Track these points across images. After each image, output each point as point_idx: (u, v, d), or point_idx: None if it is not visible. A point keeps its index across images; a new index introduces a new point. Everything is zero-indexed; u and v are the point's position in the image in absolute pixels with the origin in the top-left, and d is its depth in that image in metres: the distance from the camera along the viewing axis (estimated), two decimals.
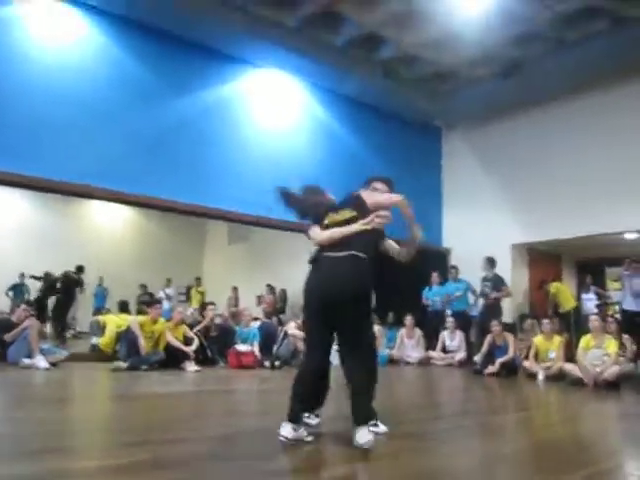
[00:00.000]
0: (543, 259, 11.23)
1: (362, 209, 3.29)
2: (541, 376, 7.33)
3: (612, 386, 6.39)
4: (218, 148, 8.52)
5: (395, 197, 3.36)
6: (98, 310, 12.90)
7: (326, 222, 3.34)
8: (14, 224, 14.70)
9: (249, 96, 9.03)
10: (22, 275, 13.31)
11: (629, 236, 9.94)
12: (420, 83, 10.11)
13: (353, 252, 3.19)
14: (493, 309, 9.06)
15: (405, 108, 10.66)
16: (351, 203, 3.36)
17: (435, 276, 10.27)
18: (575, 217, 9.52)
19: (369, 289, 3.26)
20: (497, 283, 9.28)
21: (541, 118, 10.21)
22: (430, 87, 10.27)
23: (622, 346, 7.18)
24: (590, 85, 9.45)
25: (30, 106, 6.92)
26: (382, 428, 3.45)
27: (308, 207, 3.50)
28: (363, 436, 3.00)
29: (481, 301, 9.60)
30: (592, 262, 12.00)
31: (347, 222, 3.27)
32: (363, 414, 3.12)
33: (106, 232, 16.55)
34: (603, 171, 9.22)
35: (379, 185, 3.72)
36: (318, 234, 3.35)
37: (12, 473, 2.32)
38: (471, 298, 9.95)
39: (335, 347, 3.35)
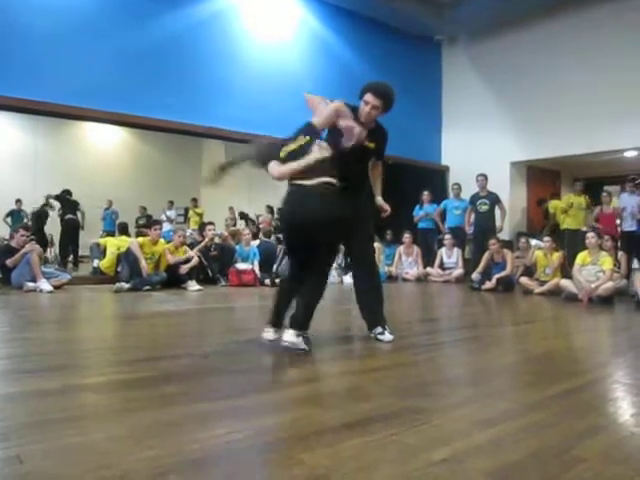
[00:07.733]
0: (542, 177, 11.18)
1: (315, 132, 3.30)
2: (537, 291, 7.49)
3: (606, 301, 6.54)
4: (213, 65, 8.28)
5: (325, 113, 3.36)
6: (109, 233, 12.84)
7: (282, 156, 3.29)
8: (6, 152, 14.48)
9: (244, 10, 8.67)
10: (18, 201, 13.26)
11: (629, 154, 9.85)
12: None
13: (323, 179, 3.19)
14: (491, 226, 9.12)
15: (405, 21, 10.27)
16: (304, 129, 3.33)
17: (426, 195, 10.25)
18: (575, 135, 9.42)
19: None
20: (496, 200, 9.28)
21: (543, 33, 9.90)
22: None
23: (617, 263, 7.28)
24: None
25: (10, 22, 6.66)
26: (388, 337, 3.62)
27: (264, 152, 3.42)
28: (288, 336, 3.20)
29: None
30: (591, 180, 11.95)
31: (302, 148, 3.22)
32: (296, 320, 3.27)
33: (101, 155, 16.31)
34: (604, 88, 9.06)
35: (369, 98, 3.60)
36: (275, 170, 3.30)
37: (27, 389, 2.41)
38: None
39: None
